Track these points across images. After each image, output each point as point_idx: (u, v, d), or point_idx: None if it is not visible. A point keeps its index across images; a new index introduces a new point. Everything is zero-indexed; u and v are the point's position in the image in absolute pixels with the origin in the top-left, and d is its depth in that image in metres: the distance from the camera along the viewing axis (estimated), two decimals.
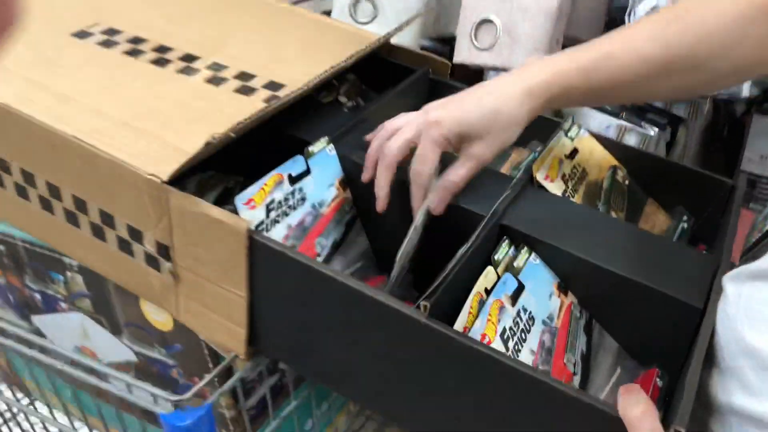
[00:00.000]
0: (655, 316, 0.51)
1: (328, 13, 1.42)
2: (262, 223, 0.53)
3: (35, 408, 0.88)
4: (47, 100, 0.58)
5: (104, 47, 0.67)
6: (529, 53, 1.01)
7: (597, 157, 0.68)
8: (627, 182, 0.68)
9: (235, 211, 0.51)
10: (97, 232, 0.59)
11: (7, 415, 0.86)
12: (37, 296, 0.84)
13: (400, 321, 0.45)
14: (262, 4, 0.81)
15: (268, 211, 0.54)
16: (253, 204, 0.52)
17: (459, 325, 0.45)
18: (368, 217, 0.63)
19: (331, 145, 0.61)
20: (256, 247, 0.50)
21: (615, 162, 0.69)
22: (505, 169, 0.71)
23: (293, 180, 0.56)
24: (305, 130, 0.63)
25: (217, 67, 0.66)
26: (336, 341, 0.51)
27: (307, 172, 0.58)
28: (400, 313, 0.45)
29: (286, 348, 0.56)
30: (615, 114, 1.10)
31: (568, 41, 1.13)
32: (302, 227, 0.58)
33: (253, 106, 0.61)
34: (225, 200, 0.63)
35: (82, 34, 0.69)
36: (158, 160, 0.53)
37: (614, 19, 1.25)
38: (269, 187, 0.54)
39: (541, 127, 0.73)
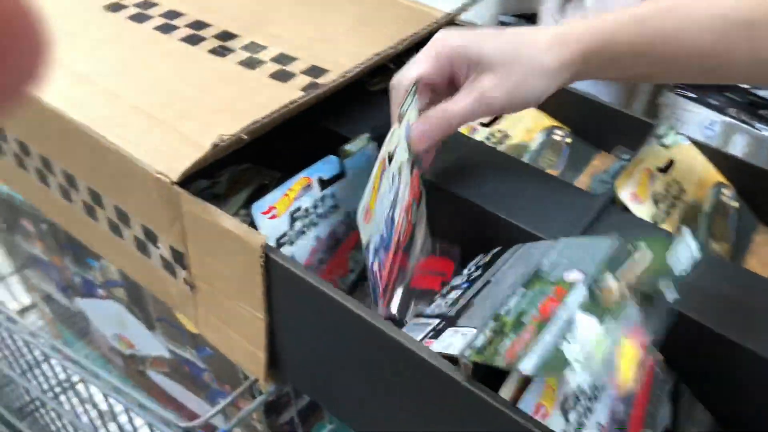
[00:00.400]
0: (755, 382, 0.40)
1: None
2: (284, 235, 0.46)
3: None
4: (63, 80, 0.52)
5: (135, 21, 0.61)
6: None
7: (698, 171, 0.57)
8: (735, 204, 0.56)
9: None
10: (114, 229, 0.54)
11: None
12: (78, 279, 0.81)
13: (433, 376, 0.36)
14: None
15: (293, 220, 0.46)
16: (274, 213, 0.45)
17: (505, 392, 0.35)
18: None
19: (373, 144, 0.52)
20: (273, 266, 0.42)
21: (720, 178, 0.57)
22: (583, 180, 0.60)
23: (324, 184, 0.48)
24: (345, 123, 0.55)
25: (254, 47, 0.59)
26: (356, 380, 0.44)
27: (342, 175, 0.50)
28: (434, 368, 0.36)
29: (306, 377, 0.49)
30: (720, 109, 0.96)
31: None
32: (334, 239, 0.50)
33: (288, 94, 0.54)
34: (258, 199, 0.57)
35: (115, 7, 0.63)
36: (171, 157, 0.46)
37: None
38: (295, 193, 0.46)
39: (629, 128, 0.62)
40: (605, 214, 0.50)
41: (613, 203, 0.51)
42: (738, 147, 0.94)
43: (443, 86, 0.48)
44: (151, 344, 0.76)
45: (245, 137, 0.43)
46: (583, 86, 0.59)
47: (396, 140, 0.45)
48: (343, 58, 0.58)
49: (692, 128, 0.98)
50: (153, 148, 0.47)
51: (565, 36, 0.45)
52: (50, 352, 0.60)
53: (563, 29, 0.46)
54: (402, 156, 0.46)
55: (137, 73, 0.54)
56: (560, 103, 0.66)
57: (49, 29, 0.13)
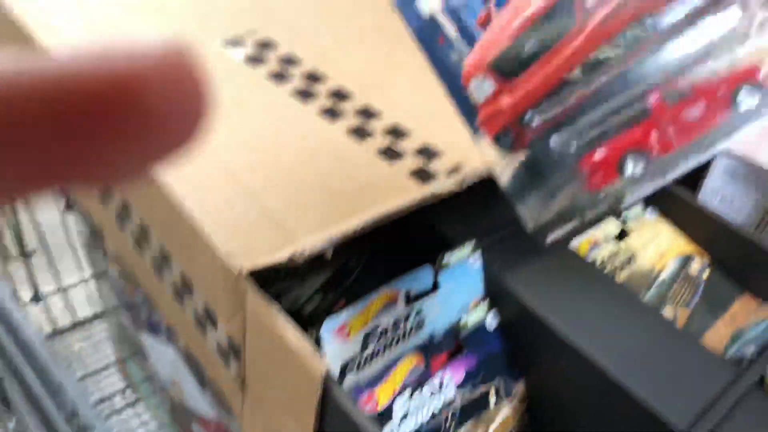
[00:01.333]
0: None
1: None
2: (353, 359, 0.39)
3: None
4: None
5: (250, 64, 0.57)
6: None
7: None
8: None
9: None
10: (177, 294, 0.49)
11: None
12: (144, 314, 0.78)
13: None
14: None
15: (366, 342, 0.39)
16: (346, 332, 0.38)
17: None
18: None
19: (478, 253, 0.45)
20: (329, 398, 0.36)
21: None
22: (720, 331, 0.51)
23: (411, 299, 0.42)
24: (450, 222, 0.48)
25: (367, 113, 0.53)
26: None
27: (434, 288, 0.43)
28: None
29: None
30: None
31: None
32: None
33: (393, 178, 0.47)
34: (336, 286, 0.51)
35: (234, 42, 0.59)
36: (248, 239, 0.41)
37: None
38: (375, 311, 0.40)
39: None
40: (747, 399, 0.40)
41: (761, 386, 0.41)
42: None
43: None
44: (200, 402, 0.72)
45: (328, 256, 0.37)
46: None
47: None
48: (461, 140, 0.51)
49: None
50: (231, 223, 0.42)
51: None
52: None
53: None
54: None
55: (237, 127, 0.49)
56: (702, 227, 0.57)
57: (212, 93, 0.12)
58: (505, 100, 0.31)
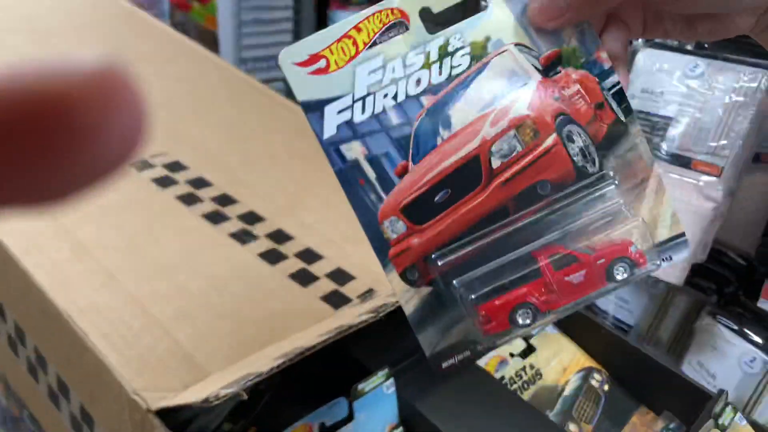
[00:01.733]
0: None
1: None
2: None
3: None
4: (60, 251, 0.47)
5: (159, 186, 0.56)
6: None
7: None
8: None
9: None
10: (76, 427, 0.46)
11: None
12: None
13: None
14: None
15: None
16: None
17: None
18: None
19: (391, 380, 0.45)
20: None
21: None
22: None
23: (326, 431, 0.41)
24: (366, 349, 0.49)
25: (279, 237, 0.54)
26: None
27: (349, 418, 0.43)
28: None
29: None
30: (763, 347, 0.89)
31: (718, 247, 0.95)
32: None
33: (307, 303, 0.48)
34: (245, 412, 0.49)
35: (142, 164, 0.59)
36: (157, 373, 0.40)
37: None
38: None
39: (673, 385, 0.55)
40: None
41: None
42: None
43: None
44: None
45: (245, 396, 0.36)
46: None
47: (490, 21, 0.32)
48: (373, 264, 0.52)
49: (731, 361, 0.91)
50: (139, 357, 0.40)
51: None
52: None
53: None
54: (503, 32, 0.33)
55: (145, 253, 0.49)
56: (600, 343, 0.60)
57: (145, 102, 0.12)
58: (414, 241, 0.33)
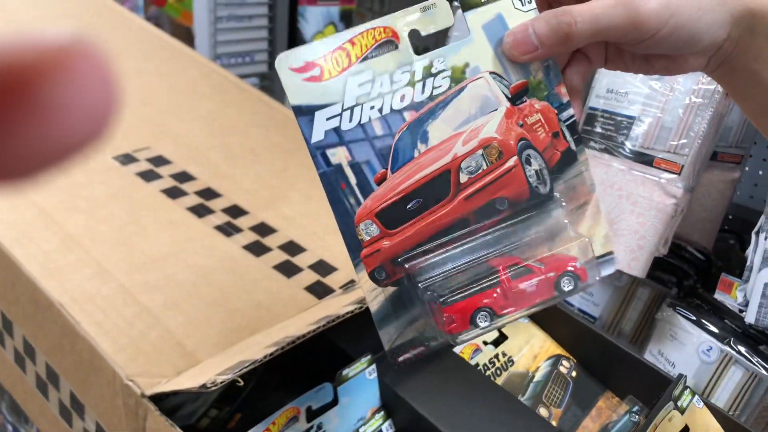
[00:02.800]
0: None
1: None
2: None
3: None
4: (50, 242, 0.48)
5: (144, 180, 0.58)
6: (631, 250, 0.87)
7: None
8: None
9: None
10: (65, 414, 0.47)
11: None
12: (10, 428, 0.72)
13: None
14: None
15: None
16: None
17: None
18: None
19: (373, 367, 0.47)
20: None
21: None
22: (588, 426, 0.56)
23: (312, 414, 0.43)
24: (349, 337, 0.51)
25: (263, 229, 0.55)
26: None
27: (334, 402, 0.45)
28: None
29: None
30: (719, 337, 0.93)
31: (678, 242, 0.99)
32: None
33: (291, 293, 0.50)
34: (231, 399, 0.51)
35: (126, 159, 0.60)
36: (149, 360, 0.41)
37: (730, 229, 1.11)
38: (278, 427, 0.41)
39: (637, 371, 0.58)
40: None
41: None
42: (732, 382, 0.91)
43: None
44: None
45: (241, 382, 0.38)
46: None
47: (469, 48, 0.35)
48: None
49: (689, 350, 0.95)
50: (131, 344, 0.42)
51: None
52: None
53: None
54: (480, 60, 0.36)
55: (134, 244, 0.50)
56: (568, 331, 0.63)
57: (116, 79, 0.12)
58: (385, 243, 0.36)
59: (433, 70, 0.36)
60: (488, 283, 0.37)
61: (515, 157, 0.36)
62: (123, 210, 0.53)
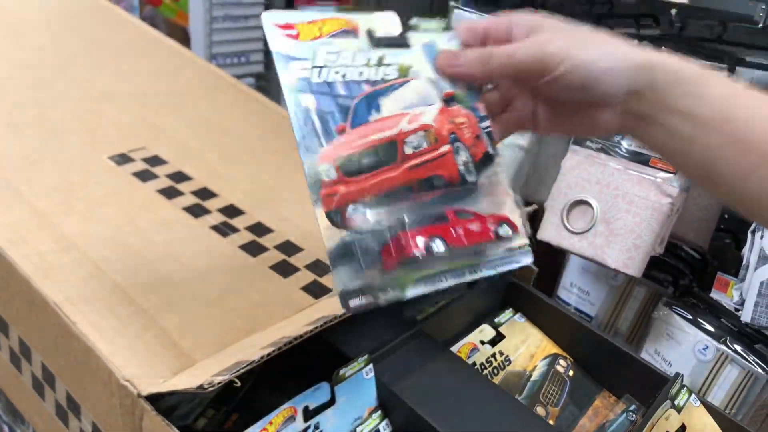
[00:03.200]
0: None
1: None
2: None
3: None
4: (45, 243, 0.48)
5: (139, 180, 0.57)
6: (627, 250, 0.87)
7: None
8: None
9: None
10: (61, 415, 0.47)
11: None
12: (6, 429, 0.72)
13: None
14: None
15: None
16: None
17: None
18: None
19: (370, 366, 0.47)
20: None
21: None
22: (585, 425, 0.56)
23: (310, 413, 0.43)
24: (346, 337, 0.50)
25: (259, 229, 0.55)
26: None
27: (331, 402, 0.45)
28: None
29: None
30: (716, 336, 0.93)
31: (674, 241, 0.99)
32: None
33: (288, 293, 0.50)
34: (227, 399, 0.51)
35: (121, 159, 0.60)
36: (145, 361, 0.41)
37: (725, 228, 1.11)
38: (276, 426, 0.41)
39: (635, 370, 0.58)
40: None
41: None
42: (729, 381, 0.91)
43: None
44: None
45: (238, 383, 0.38)
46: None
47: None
48: None
49: (685, 349, 0.95)
50: (127, 344, 0.42)
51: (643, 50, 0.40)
52: None
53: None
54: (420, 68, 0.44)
55: (130, 244, 0.50)
56: (565, 330, 0.63)
57: None
58: (341, 189, 0.39)
59: (385, 62, 0.43)
60: (439, 220, 0.41)
61: (448, 146, 0.43)
62: (119, 210, 0.53)
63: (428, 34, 0.45)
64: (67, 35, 0.79)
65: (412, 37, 0.44)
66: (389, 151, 0.41)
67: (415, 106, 0.43)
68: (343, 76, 0.41)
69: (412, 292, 0.39)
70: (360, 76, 0.42)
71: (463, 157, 0.43)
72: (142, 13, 1.41)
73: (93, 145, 0.60)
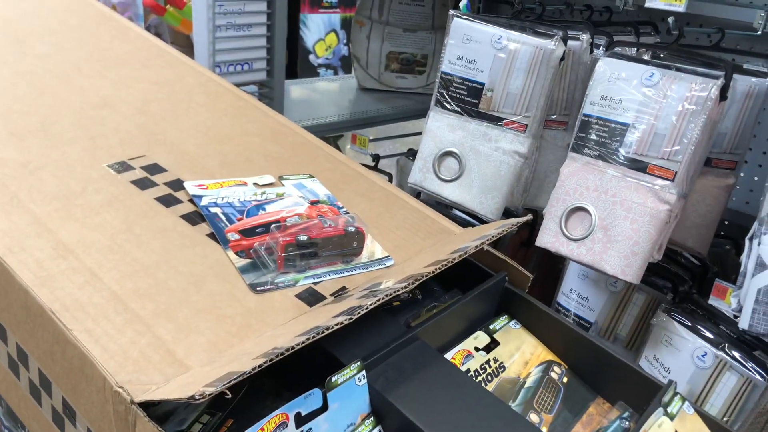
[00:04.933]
0: None
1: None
2: None
3: None
4: (42, 251, 0.49)
5: (138, 188, 0.58)
6: (625, 256, 0.88)
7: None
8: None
9: None
10: (57, 420, 0.48)
11: None
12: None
13: None
14: (324, 156, 0.72)
15: None
16: None
17: None
18: None
19: (363, 373, 0.48)
20: None
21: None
22: (580, 430, 0.56)
23: (302, 420, 0.44)
24: (339, 342, 0.51)
25: None
26: None
27: (323, 408, 0.45)
28: None
29: None
30: (714, 342, 0.93)
31: (673, 247, 1.00)
32: None
33: (282, 300, 0.50)
34: (222, 405, 0.51)
35: (121, 167, 0.60)
36: (139, 367, 0.42)
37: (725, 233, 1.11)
38: (269, 430, 0.41)
39: (628, 378, 0.59)
40: None
41: None
42: (727, 387, 0.91)
43: None
44: None
45: (229, 395, 0.38)
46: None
47: None
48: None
49: (684, 355, 0.95)
50: (121, 351, 0.42)
51: None
52: None
53: None
54: (292, 192, 0.65)
55: (126, 252, 0.50)
56: (559, 337, 0.63)
57: None
58: (243, 243, 0.56)
59: (266, 192, 0.63)
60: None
61: (316, 220, 0.60)
62: (117, 218, 0.54)
63: (296, 179, 0.66)
64: (71, 44, 0.80)
65: (285, 182, 0.65)
66: (276, 225, 0.58)
67: (290, 208, 0.62)
68: (238, 199, 0.61)
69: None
70: (249, 197, 0.62)
71: (329, 222, 0.60)
72: (147, 21, 1.42)
73: (93, 153, 0.61)
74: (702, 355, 0.94)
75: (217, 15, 1.06)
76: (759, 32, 0.92)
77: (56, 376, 0.46)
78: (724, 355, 0.92)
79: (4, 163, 0.56)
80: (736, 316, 0.86)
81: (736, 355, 0.92)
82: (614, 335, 1.07)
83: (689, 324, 0.96)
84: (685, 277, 1.08)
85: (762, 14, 0.92)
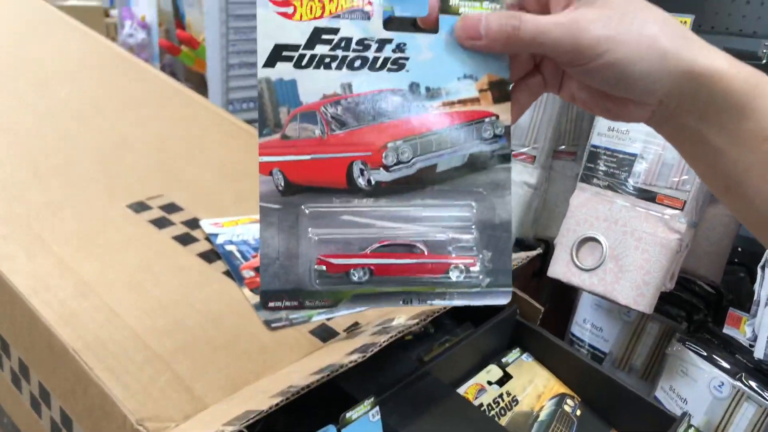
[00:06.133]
0: None
1: None
2: None
3: None
4: (65, 290, 0.50)
5: (156, 227, 0.60)
6: (637, 286, 0.88)
7: None
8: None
9: None
10: None
11: None
12: None
13: None
14: None
15: None
16: None
17: None
18: None
19: (376, 409, 0.48)
20: None
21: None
22: None
23: None
24: (352, 378, 0.52)
25: None
26: None
27: None
28: None
29: None
30: (731, 372, 0.93)
31: (687, 276, 1.00)
32: None
33: (296, 336, 0.51)
34: None
35: (139, 207, 0.62)
36: (158, 404, 0.43)
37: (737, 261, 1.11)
38: None
39: (642, 410, 0.59)
40: None
41: None
42: (746, 418, 0.90)
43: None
44: None
45: None
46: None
47: None
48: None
49: (701, 386, 0.94)
50: (141, 389, 0.43)
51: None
52: None
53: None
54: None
55: (146, 289, 0.52)
56: (572, 370, 0.63)
57: None
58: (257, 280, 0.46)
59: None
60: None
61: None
62: (136, 257, 0.55)
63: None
64: (90, 85, 0.82)
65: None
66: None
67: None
68: (252, 236, 0.45)
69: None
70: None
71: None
72: (162, 61, 1.46)
73: (112, 193, 0.63)
74: (719, 386, 0.94)
75: (230, 54, 1.09)
76: (764, 61, 0.93)
77: (78, 414, 0.47)
78: (741, 385, 0.91)
79: (28, 205, 0.58)
80: (751, 345, 0.86)
81: (753, 384, 0.91)
82: (629, 365, 1.06)
83: (705, 354, 0.95)
84: (699, 306, 1.07)
85: (766, 44, 0.93)
